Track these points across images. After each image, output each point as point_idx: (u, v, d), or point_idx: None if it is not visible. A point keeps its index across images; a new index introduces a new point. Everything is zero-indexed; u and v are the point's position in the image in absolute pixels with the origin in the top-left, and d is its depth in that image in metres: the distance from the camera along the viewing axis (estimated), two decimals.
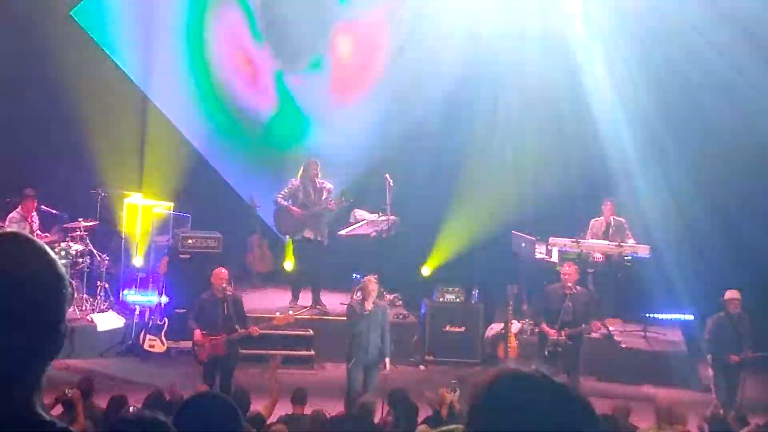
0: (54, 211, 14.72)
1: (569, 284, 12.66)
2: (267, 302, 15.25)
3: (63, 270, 2.27)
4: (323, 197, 14.80)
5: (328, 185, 15.02)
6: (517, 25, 16.55)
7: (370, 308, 11.91)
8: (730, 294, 12.63)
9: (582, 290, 12.90)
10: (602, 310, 14.45)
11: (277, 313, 12.94)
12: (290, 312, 12.90)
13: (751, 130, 16.01)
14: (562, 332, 12.49)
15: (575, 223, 15.43)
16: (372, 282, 12.14)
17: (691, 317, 15.28)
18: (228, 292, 12.24)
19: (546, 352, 12.58)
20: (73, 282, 13.87)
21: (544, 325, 12.70)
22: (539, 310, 13.15)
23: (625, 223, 15.08)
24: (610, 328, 14.75)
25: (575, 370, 12.66)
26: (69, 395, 8.88)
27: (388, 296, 12.13)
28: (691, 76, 16.24)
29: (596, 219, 15.20)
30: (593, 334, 13.63)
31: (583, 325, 12.62)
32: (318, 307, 15.07)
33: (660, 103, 16.40)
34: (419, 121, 16.95)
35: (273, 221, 15.48)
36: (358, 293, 12.37)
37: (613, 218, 15.08)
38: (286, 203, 14.85)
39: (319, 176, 14.95)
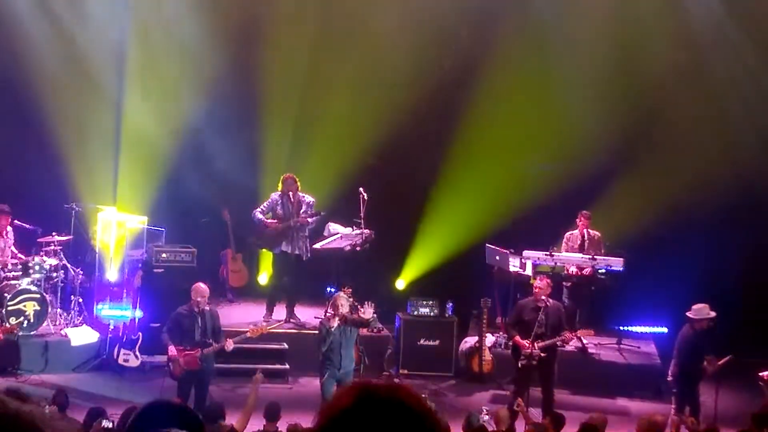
0: (28, 226, 14.68)
1: (542, 297, 12.73)
2: (241, 316, 15.23)
3: None
4: (302, 210, 14.82)
5: (309, 199, 15.05)
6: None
7: (334, 325, 11.96)
8: (697, 307, 12.72)
9: (555, 303, 12.98)
10: (576, 322, 14.55)
11: (251, 326, 12.95)
12: (264, 324, 12.91)
13: (727, 142, 16.17)
14: (536, 345, 12.56)
15: (550, 236, 15.49)
16: (341, 297, 12.20)
17: (664, 330, 15.37)
18: (205, 307, 12.27)
19: (519, 365, 12.65)
20: (47, 297, 13.89)
21: (517, 338, 12.76)
22: (512, 323, 13.21)
23: (601, 237, 15.16)
24: (584, 340, 14.84)
25: (549, 382, 12.75)
26: (48, 411, 8.87)
27: (366, 308, 12.13)
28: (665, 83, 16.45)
29: (571, 232, 15.26)
30: (567, 347, 13.72)
31: (557, 338, 12.70)
32: (292, 320, 15.07)
33: (633, 113, 16.56)
34: (394, 132, 17.01)
35: (251, 235, 15.51)
36: (330, 309, 12.39)
37: (587, 231, 15.16)
38: (262, 217, 14.87)
39: (298, 190, 14.98)
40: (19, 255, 14.34)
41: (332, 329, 11.95)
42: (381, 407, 2.37)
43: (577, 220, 15.22)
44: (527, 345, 12.57)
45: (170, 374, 12.21)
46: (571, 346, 14.28)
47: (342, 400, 2.39)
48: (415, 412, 2.37)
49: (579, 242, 15.13)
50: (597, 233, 15.18)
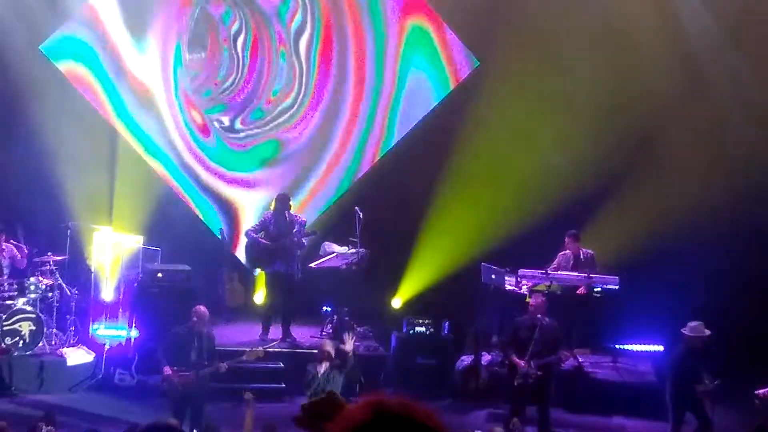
0: (23, 246, 14.68)
1: (538, 315, 12.74)
2: (237, 336, 15.21)
3: None
4: (294, 230, 14.85)
5: (301, 219, 15.13)
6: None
7: (322, 371, 11.93)
8: (692, 325, 12.71)
9: (550, 321, 12.96)
10: (571, 341, 14.54)
11: (248, 349, 12.92)
12: (260, 348, 12.90)
13: (723, 164, 16.22)
14: (532, 363, 12.55)
15: (546, 254, 15.49)
16: (327, 345, 12.17)
17: (660, 348, 15.37)
18: (203, 329, 12.29)
19: (515, 384, 12.64)
20: (43, 317, 13.88)
21: (513, 357, 12.76)
22: (508, 341, 13.20)
23: (594, 255, 15.16)
24: (580, 359, 14.83)
25: (545, 401, 12.73)
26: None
27: (347, 340, 12.08)
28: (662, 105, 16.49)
29: (563, 252, 15.25)
30: (563, 365, 13.71)
31: (553, 357, 12.70)
32: (288, 340, 15.06)
33: (627, 130, 16.61)
34: (389, 151, 17.08)
35: (244, 254, 15.54)
36: (318, 354, 12.30)
37: (581, 250, 15.15)
38: (256, 236, 14.90)
39: (291, 209, 15.06)
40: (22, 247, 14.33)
41: (318, 375, 11.94)
42: (394, 423, 2.36)
43: (566, 240, 15.20)
44: (523, 364, 12.57)
45: (165, 394, 12.20)
46: (567, 364, 14.26)
47: (355, 416, 2.38)
48: (428, 428, 2.37)
49: (572, 262, 15.12)
50: (590, 252, 15.18)
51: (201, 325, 12.25)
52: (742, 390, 12.98)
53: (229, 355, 12.69)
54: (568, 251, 15.20)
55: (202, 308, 12.39)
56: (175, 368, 12.03)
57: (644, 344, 15.71)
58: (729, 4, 16.48)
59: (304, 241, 14.98)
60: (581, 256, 15.10)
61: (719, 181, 16.00)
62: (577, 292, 14.91)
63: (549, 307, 13.04)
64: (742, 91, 16.39)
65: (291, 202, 15.15)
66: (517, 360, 12.64)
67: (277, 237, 14.80)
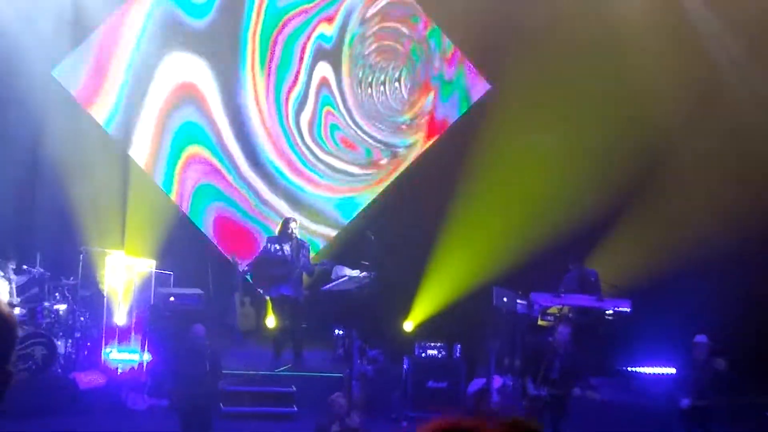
0: (33, 270, 14.72)
1: (560, 343, 12.65)
2: (249, 360, 15.23)
3: (8, 313, 2.31)
4: (300, 254, 14.92)
5: (307, 243, 15.24)
6: None
7: (336, 431, 11.63)
8: (698, 340, 12.71)
9: (570, 351, 12.85)
10: (586, 367, 14.49)
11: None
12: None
13: (735, 184, 16.22)
14: (545, 390, 12.48)
15: (558, 277, 15.50)
16: (339, 398, 11.85)
17: (672, 371, 15.33)
18: (207, 348, 12.39)
19: (526, 408, 12.56)
20: (55, 341, 13.90)
21: (529, 384, 12.65)
22: (524, 365, 13.14)
23: (598, 274, 15.18)
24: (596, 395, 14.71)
25: (556, 428, 12.62)
26: None
27: (353, 416, 11.92)
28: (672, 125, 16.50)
29: (569, 274, 15.29)
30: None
31: (566, 390, 12.51)
32: (300, 363, 15.07)
33: (639, 150, 16.64)
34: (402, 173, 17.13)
35: (251, 275, 15.60)
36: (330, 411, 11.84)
37: (586, 270, 15.17)
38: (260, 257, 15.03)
39: (297, 234, 15.11)
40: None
41: None
42: None
43: (570, 262, 15.30)
44: (536, 389, 12.51)
45: (173, 407, 12.32)
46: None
47: None
48: None
49: (577, 282, 15.15)
50: (594, 271, 15.20)
51: (202, 344, 12.36)
52: (756, 411, 12.96)
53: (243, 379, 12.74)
54: (573, 272, 15.23)
55: (196, 326, 12.52)
56: (184, 387, 12.15)
57: (656, 366, 15.68)
58: (743, 14, 16.45)
59: (310, 265, 15.06)
60: (585, 276, 15.13)
61: (733, 200, 15.98)
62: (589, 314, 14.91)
63: (573, 337, 12.96)
64: (757, 105, 16.38)
65: (296, 226, 15.20)
66: (533, 386, 12.58)
67: (284, 261, 14.86)
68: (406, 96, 17.59)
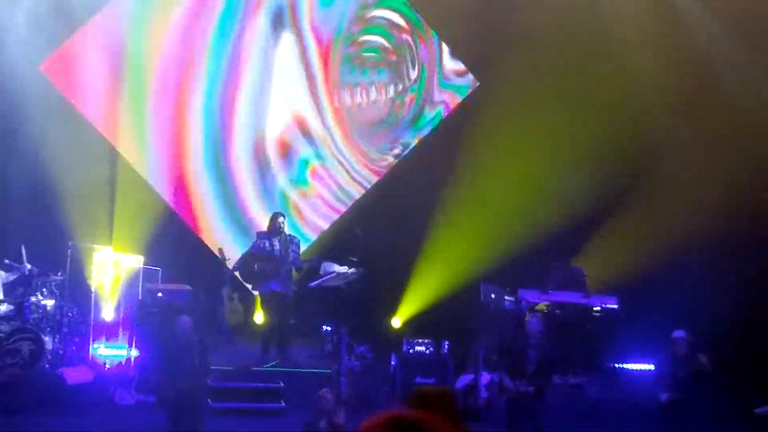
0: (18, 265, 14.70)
1: (535, 334, 12.71)
2: (237, 355, 15.23)
3: None
4: (290, 249, 14.91)
5: (296, 239, 15.21)
6: None
7: (324, 428, 11.62)
8: (677, 335, 12.75)
9: (546, 341, 12.93)
10: (569, 361, 14.53)
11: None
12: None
13: (722, 180, 16.26)
14: (524, 382, 12.51)
15: (545, 274, 15.54)
16: (327, 394, 11.85)
17: (651, 367, 15.37)
18: (195, 343, 12.39)
19: (507, 401, 12.59)
20: (43, 336, 13.88)
21: (506, 377, 12.71)
22: (502, 360, 13.17)
23: (582, 270, 15.22)
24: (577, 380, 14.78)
25: (537, 420, 12.61)
26: None
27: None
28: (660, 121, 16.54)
29: (554, 270, 15.34)
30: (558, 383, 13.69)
31: (544, 378, 12.57)
32: (287, 359, 15.08)
33: (626, 150, 16.67)
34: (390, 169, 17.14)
35: (239, 273, 15.58)
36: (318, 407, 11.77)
37: (570, 267, 15.22)
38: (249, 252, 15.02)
39: (286, 229, 15.10)
40: None
41: (320, 430, 11.63)
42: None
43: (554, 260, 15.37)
44: (515, 382, 12.52)
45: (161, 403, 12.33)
46: (565, 386, 14.25)
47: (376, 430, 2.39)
48: None
49: (562, 278, 15.20)
50: (578, 267, 15.25)
51: (188, 335, 12.35)
52: (742, 408, 12.99)
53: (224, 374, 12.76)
54: (557, 269, 15.28)
55: (182, 319, 12.60)
56: (172, 380, 12.15)
57: (640, 363, 15.71)
58: (735, 9, 16.48)
59: (300, 260, 15.05)
60: (571, 274, 15.17)
61: (717, 200, 16.02)
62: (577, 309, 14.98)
63: (546, 328, 13.03)
64: (745, 103, 16.41)
65: (285, 222, 15.20)
66: (510, 380, 12.61)
67: (272, 257, 14.86)
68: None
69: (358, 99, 17.60)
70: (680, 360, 12.64)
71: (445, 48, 17.66)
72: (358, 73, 17.61)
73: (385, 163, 17.71)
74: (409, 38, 17.63)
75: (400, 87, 17.68)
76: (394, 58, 17.65)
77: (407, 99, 17.68)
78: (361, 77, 17.64)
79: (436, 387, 3.54)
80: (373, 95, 17.62)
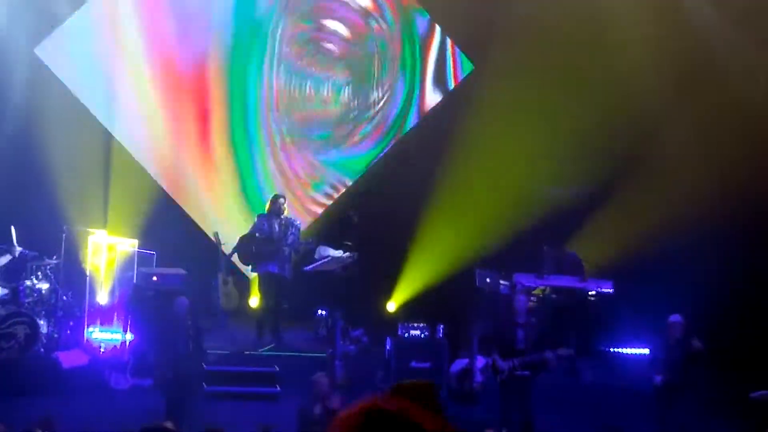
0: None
1: (522, 314, 12.67)
2: (232, 339, 15.22)
3: None
4: (289, 232, 14.89)
5: (297, 222, 15.17)
6: None
7: (319, 412, 11.59)
8: (673, 319, 12.76)
9: (536, 322, 12.91)
10: (562, 343, 14.52)
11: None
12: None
13: (718, 166, 16.26)
14: (515, 362, 12.49)
15: (539, 259, 15.54)
16: (322, 378, 11.81)
17: (646, 351, 15.38)
18: (190, 327, 12.39)
19: (500, 382, 12.58)
20: (38, 320, 13.87)
21: (498, 358, 12.68)
22: (493, 341, 13.14)
23: (575, 255, 15.23)
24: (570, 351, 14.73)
25: (528, 401, 12.58)
26: None
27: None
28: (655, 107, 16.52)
29: (548, 254, 15.36)
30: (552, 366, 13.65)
31: (536, 356, 12.50)
32: (282, 343, 15.08)
33: (620, 135, 16.66)
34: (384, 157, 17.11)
35: (237, 252, 15.55)
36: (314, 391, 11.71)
37: (565, 252, 15.23)
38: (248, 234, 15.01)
39: (286, 212, 15.08)
40: None
41: (317, 415, 11.57)
42: (389, 426, 2.35)
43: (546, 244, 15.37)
44: (506, 362, 12.51)
45: (156, 386, 12.33)
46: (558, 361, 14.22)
47: (350, 422, 2.37)
48: (423, 429, 2.36)
49: (557, 263, 15.21)
50: (572, 252, 15.26)
51: (186, 319, 12.37)
52: (737, 394, 13.01)
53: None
54: (550, 253, 15.30)
55: (180, 299, 12.60)
56: (168, 363, 12.17)
57: (636, 347, 15.73)
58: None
59: (298, 244, 15.02)
60: (565, 258, 15.18)
61: (712, 185, 16.02)
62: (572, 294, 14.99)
63: (536, 308, 13.00)
64: (738, 91, 16.41)
65: (285, 204, 15.17)
66: (502, 360, 12.59)
67: (271, 239, 14.84)
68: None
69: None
70: (675, 344, 12.63)
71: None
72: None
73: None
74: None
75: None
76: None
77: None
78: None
79: (417, 381, 3.50)
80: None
